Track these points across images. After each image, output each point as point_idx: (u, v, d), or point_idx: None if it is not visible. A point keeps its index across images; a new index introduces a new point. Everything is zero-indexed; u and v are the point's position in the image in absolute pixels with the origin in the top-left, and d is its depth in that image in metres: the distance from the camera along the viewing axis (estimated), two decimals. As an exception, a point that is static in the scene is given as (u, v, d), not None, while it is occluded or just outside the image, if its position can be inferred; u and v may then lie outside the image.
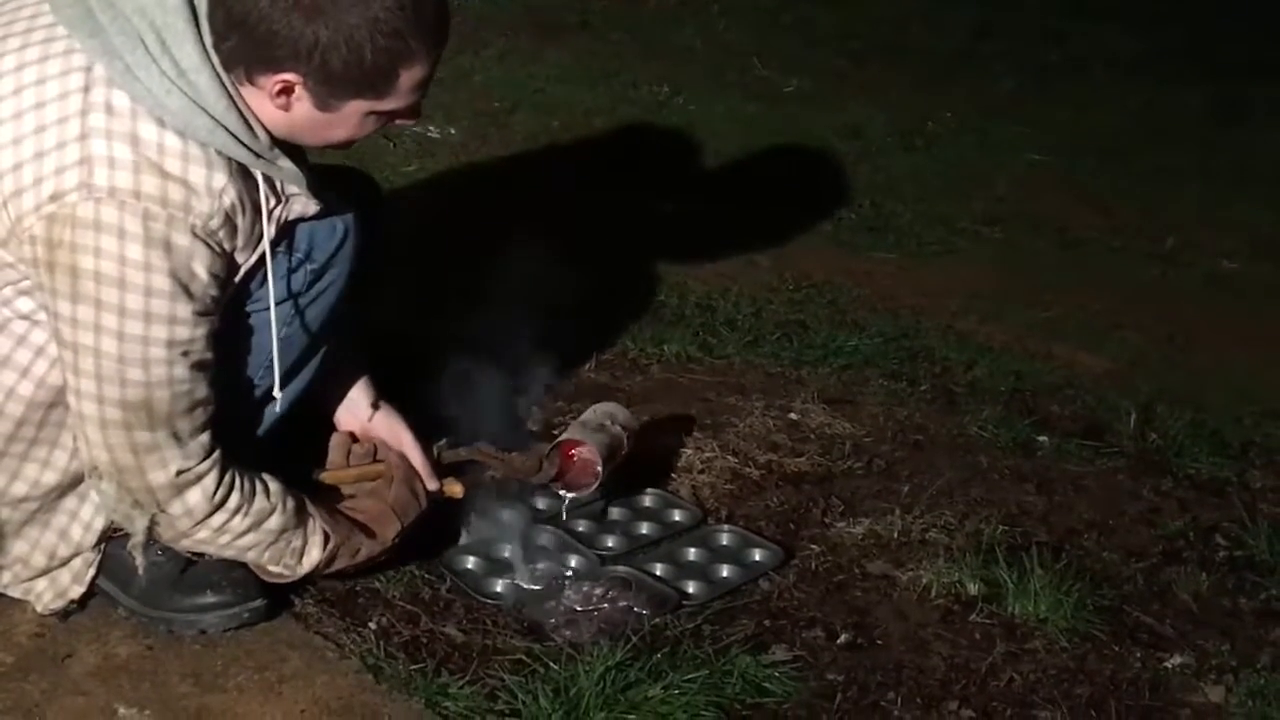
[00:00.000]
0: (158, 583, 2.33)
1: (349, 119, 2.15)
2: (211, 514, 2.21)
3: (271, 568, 2.33)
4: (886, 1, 6.97)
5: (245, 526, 2.25)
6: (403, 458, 2.49)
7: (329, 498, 2.42)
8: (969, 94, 5.81)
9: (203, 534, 2.24)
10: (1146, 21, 6.74)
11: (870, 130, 5.29)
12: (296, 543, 2.31)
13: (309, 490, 2.38)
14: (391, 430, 2.52)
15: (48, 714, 2.16)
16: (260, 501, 2.26)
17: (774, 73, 5.82)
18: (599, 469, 2.63)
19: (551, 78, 5.48)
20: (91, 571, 2.34)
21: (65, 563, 2.33)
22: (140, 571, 2.30)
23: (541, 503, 2.74)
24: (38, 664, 2.25)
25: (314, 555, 2.33)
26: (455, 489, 2.54)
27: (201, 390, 2.16)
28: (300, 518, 2.31)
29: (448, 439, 2.60)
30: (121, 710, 2.18)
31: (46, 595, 2.34)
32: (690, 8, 6.51)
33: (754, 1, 6.68)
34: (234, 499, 2.23)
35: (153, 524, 2.22)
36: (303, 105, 2.10)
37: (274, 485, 2.28)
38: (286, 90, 2.08)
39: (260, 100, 2.10)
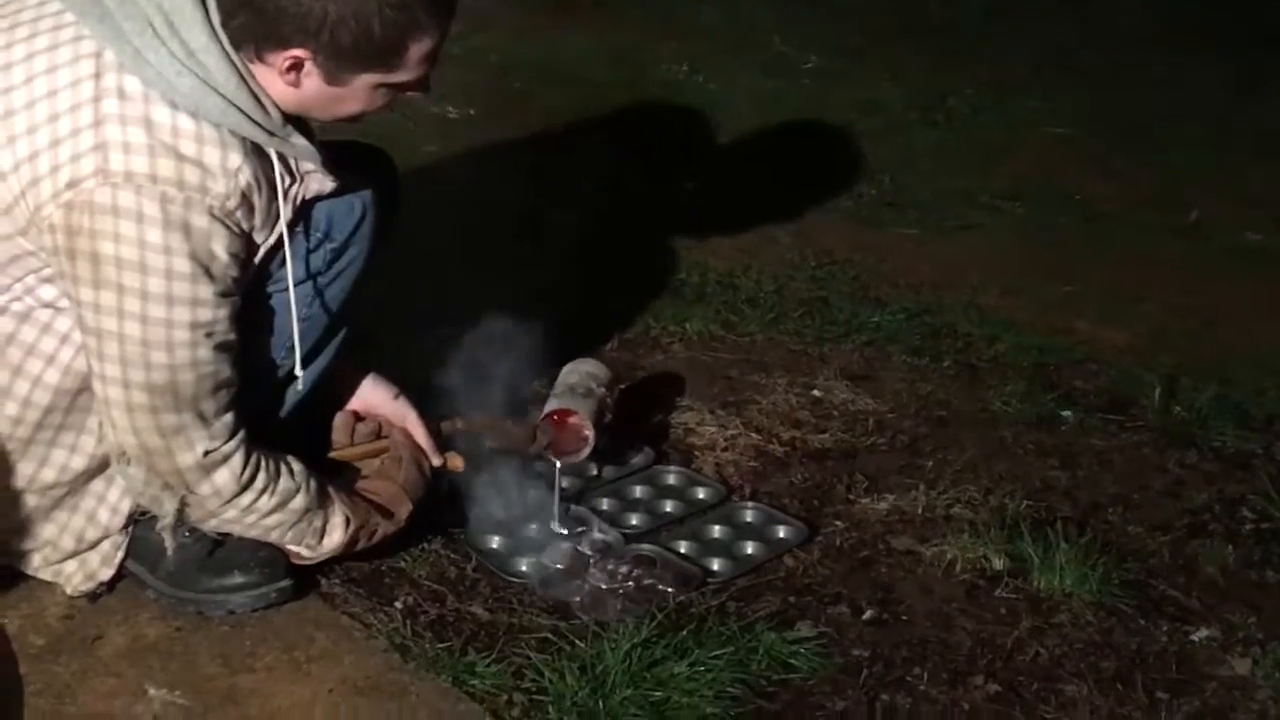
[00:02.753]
0: (186, 564, 2.34)
1: (359, 92, 2.15)
2: (240, 493, 2.23)
3: (293, 548, 2.34)
4: (905, -24, 6.94)
5: (272, 505, 2.27)
6: (406, 434, 2.50)
7: (345, 479, 2.43)
8: (988, 69, 5.77)
9: (230, 514, 2.26)
10: (1166, -7, 6.70)
11: (890, 106, 5.27)
12: (318, 522, 2.33)
13: (327, 472, 2.39)
14: (394, 407, 2.52)
15: (79, 695, 2.18)
16: (285, 481, 2.27)
17: (793, 49, 5.79)
18: (590, 434, 2.66)
19: (570, 57, 5.47)
20: (120, 554, 2.36)
21: (94, 545, 2.34)
22: (170, 553, 2.31)
23: (566, 481, 2.74)
24: (68, 646, 2.27)
25: (335, 537, 2.34)
26: (457, 463, 2.55)
27: (225, 371, 2.17)
28: (323, 498, 2.33)
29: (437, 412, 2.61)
30: (151, 691, 2.19)
31: (76, 577, 2.35)
32: (708, -15, 6.49)
33: (772, -22, 6.66)
34: (261, 478, 2.24)
35: (183, 505, 2.23)
36: (312, 81, 2.10)
37: (297, 465, 2.30)
38: (296, 66, 2.08)
39: (270, 77, 2.10)
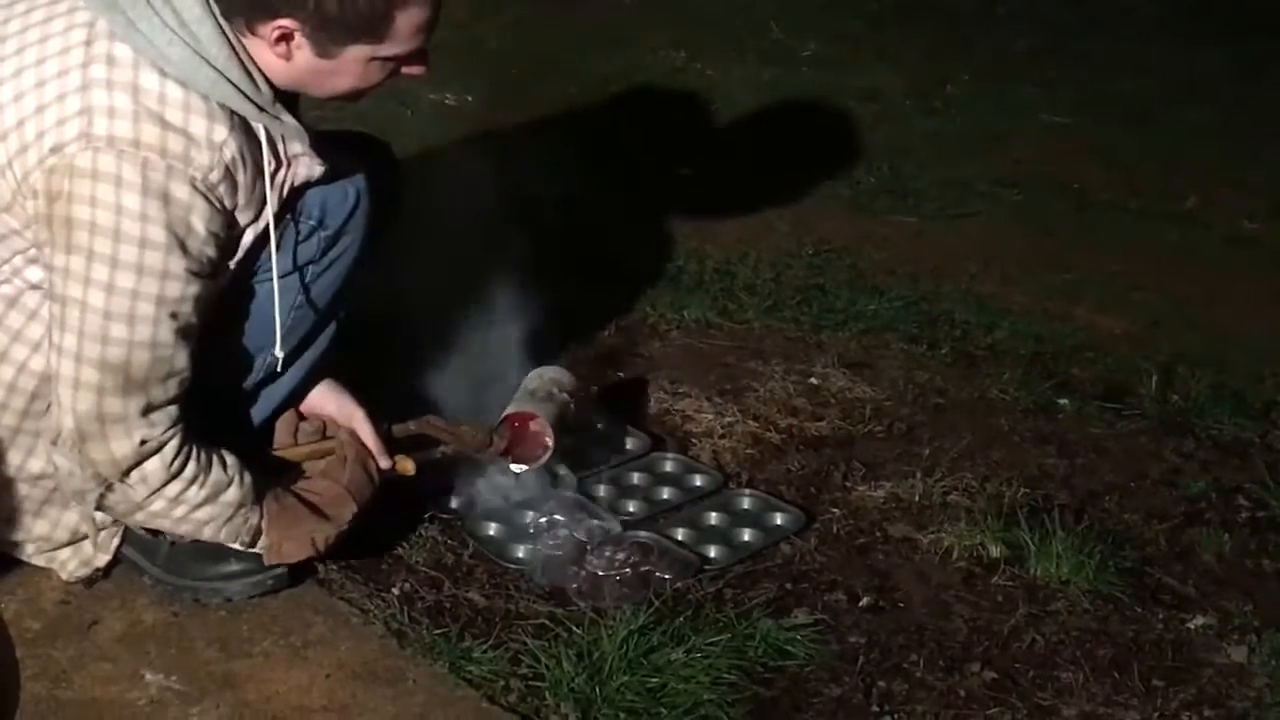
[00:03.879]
0: (182, 552, 2.32)
1: (351, 66, 2.12)
2: (167, 483, 2.16)
3: (229, 545, 2.28)
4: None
5: (202, 498, 2.19)
6: (353, 435, 2.40)
7: (286, 480, 2.34)
8: (986, 56, 5.78)
9: (158, 505, 2.18)
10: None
11: (888, 93, 5.27)
12: (254, 519, 2.26)
13: (270, 472, 2.31)
14: (340, 406, 2.43)
15: (75, 680, 2.17)
16: (217, 473, 2.20)
17: (791, 37, 5.79)
18: (549, 440, 2.60)
19: (568, 44, 5.47)
20: (115, 541, 2.34)
21: (88, 535, 2.33)
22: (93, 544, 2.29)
23: (562, 469, 2.73)
24: (64, 630, 2.27)
25: (269, 536, 2.28)
26: (407, 466, 2.45)
27: (181, 360, 2.12)
28: (258, 494, 2.26)
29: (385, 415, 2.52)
30: (148, 676, 2.19)
31: (71, 564, 2.34)
32: (705, -28, 6.49)
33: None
34: (190, 468, 2.17)
35: (103, 497, 2.17)
36: (303, 54, 2.09)
37: (230, 459, 2.23)
38: (285, 37, 2.06)
39: (262, 50, 2.08)
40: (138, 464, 2.14)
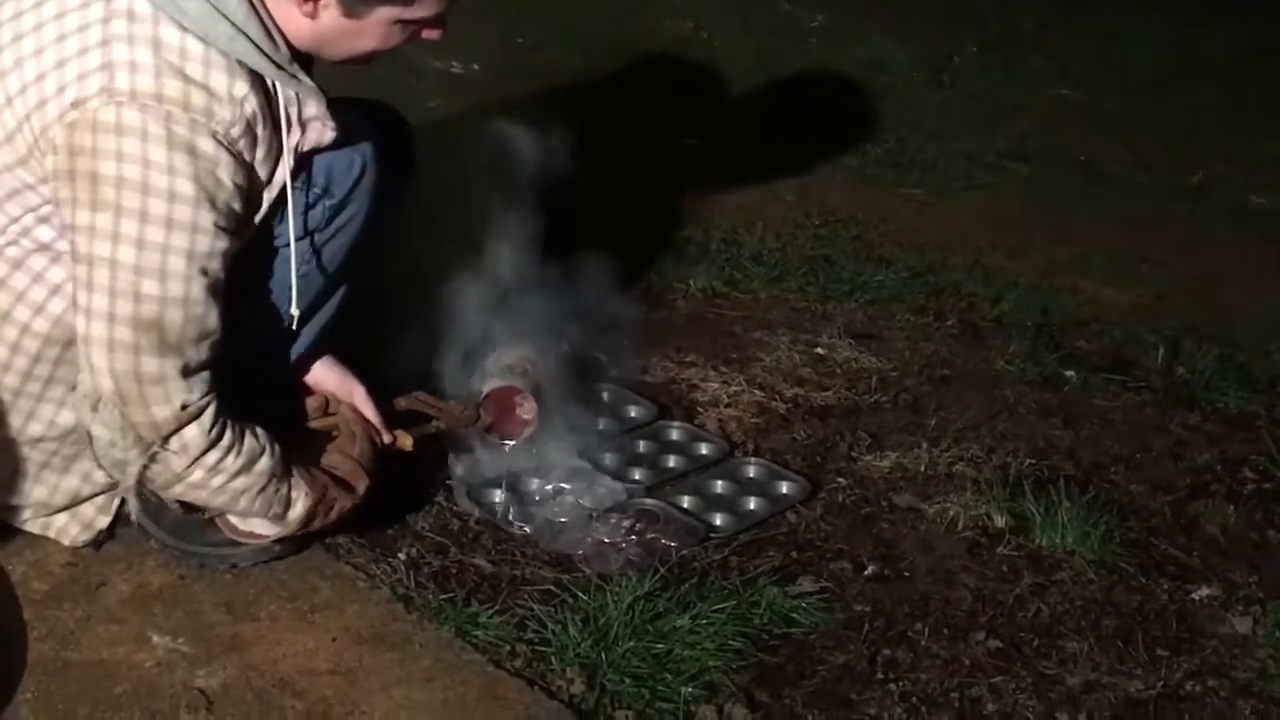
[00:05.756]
0: (189, 518, 2.31)
1: (376, 28, 2.11)
2: (207, 451, 2.13)
3: (260, 518, 2.27)
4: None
5: (238, 467, 2.17)
6: (354, 410, 2.41)
7: (305, 455, 2.32)
8: (995, 28, 5.76)
9: (197, 474, 2.15)
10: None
11: (895, 65, 5.26)
12: (284, 490, 2.24)
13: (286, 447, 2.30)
14: (342, 382, 2.43)
15: (82, 641, 2.18)
16: (250, 442, 2.18)
17: (798, 8, 5.78)
18: (533, 415, 2.62)
19: (575, 12, 5.45)
20: (117, 502, 2.32)
21: (89, 498, 2.32)
22: (134, 517, 2.27)
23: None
24: (71, 592, 2.27)
25: (299, 509, 2.26)
26: (406, 441, 2.46)
27: (212, 320, 2.10)
28: (287, 465, 2.25)
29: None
30: (155, 638, 2.20)
31: (72, 529, 2.33)
32: (713, -56, 6.46)
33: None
34: (228, 436, 2.15)
35: (146, 468, 2.14)
36: (330, 13, 2.07)
37: (260, 430, 2.21)
38: None
39: (287, 9, 2.07)
40: (178, 429, 2.11)
